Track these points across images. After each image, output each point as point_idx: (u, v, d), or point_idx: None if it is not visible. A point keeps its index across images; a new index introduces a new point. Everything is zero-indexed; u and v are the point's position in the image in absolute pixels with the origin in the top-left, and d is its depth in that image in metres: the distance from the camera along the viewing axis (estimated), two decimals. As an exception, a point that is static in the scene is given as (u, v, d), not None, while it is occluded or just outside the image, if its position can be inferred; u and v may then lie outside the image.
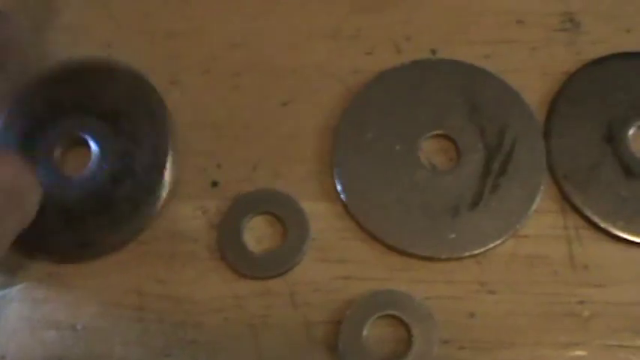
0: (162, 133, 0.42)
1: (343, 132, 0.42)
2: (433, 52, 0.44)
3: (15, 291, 0.41)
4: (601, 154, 0.41)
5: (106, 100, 0.43)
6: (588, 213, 0.40)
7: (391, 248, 0.40)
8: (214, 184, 0.42)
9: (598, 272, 0.39)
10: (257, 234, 0.41)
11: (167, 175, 0.41)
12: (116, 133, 0.42)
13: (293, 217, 0.41)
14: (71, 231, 0.41)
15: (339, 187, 0.41)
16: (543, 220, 0.40)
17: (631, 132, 0.42)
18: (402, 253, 0.40)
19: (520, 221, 0.40)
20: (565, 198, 0.41)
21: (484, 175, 0.41)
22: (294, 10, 0.46)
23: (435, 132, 0.42)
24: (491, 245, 0.40)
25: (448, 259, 0.40)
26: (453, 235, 0.40)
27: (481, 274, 0.40)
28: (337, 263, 0.40)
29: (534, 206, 0.40)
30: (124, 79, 0.43)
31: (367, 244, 0.40)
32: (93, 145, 0.42)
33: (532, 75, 0.43)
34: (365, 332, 0.38)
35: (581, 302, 0.39)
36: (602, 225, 0.40)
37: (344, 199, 0.41)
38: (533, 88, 0.43)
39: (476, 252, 0.40)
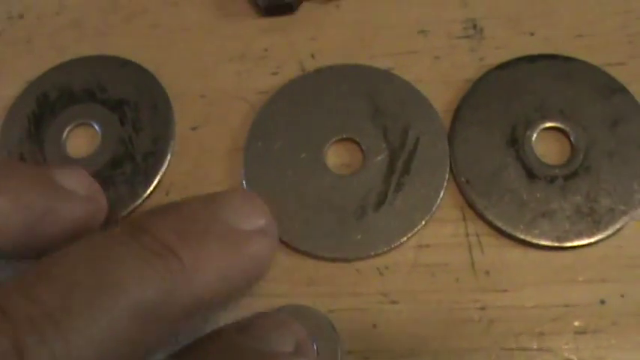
0: (163, 125, 0.45)
1: (251, 147, 0.44)
2: (337, 67, 0.45)
3: None
4: (504, 158, 0.42)
5: (114, 91, 0.46)
6: (490, 217, 0.41)
7: (300, 252, 0.41)
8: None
9: (499, 277, 0.40)
10: None
11: (165, 162, 0.44)
12: (121, 121, 0.45)
13: None
14: None
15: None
16: (445, 229, 0.41)
17: (534, 135, 0.42)
18: (310, 256, 0.41)
19: (424, 218, 0.41)
20: (467, 204, 0.41)
21: (388, 175, 0.42)
22: (202, 36, 0.47)
23: (340, 136, 0.43)
24: (397, 243, 0.41)
25: (355, 260, 0.41)
26: (359, 236, 0.41)
27: (384, 285, 0.40)
28: (244, 281, 0.41)
29: (437, 203, 0.41)
30: (133, 74, 0.47)
31: (276, 261, 0.41)
32: (98, 131, 0.45)
33: (436, 84, 0.44)
34: (272, 347, 0.39)
35: (483, 308, 0.40)
36: (504, 228, 0.40)
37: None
38: (437, 98, 0.44)
39: (382, 251, 0.41)
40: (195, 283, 0.32)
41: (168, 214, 0.34)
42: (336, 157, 0.43)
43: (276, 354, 0.33)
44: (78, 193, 0.38)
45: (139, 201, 0.43)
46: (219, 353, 0.32)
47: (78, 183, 0.39)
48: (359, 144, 0.43)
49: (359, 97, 0.44)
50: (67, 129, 0.46)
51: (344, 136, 0.43)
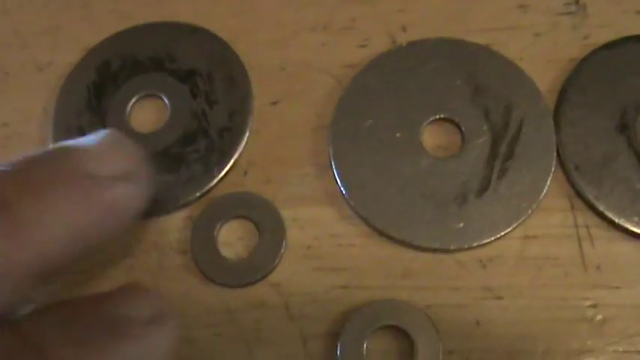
0: (240, 99, 0.41)
1: (338, 124, 0.40)
2: (431, 42, 0.42)
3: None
4: (615, 145, 0.39)
5: (184, 60, 0.42)
6: (601, 208, 0.38)
7: (397, 242, 0.38)
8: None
9: (611, 273, 0.37)
10: (231, 239, 0.39)
11: (243, 139, 0.41)
12: (192, 93, 0.42)
13: (266, 220, 0.39)
14: None
15: (338, 183, 0.39)
16: (552, 219, 0.38)
17: (646, 120, 0.39)
18: (407, 246, 0.38)
19: (531, 207, 0.38)
20: (576, 193, 0.38)
21: (491, 159, 0.39)
22: (280, 2, 0.44)
23: (437, 116, 0.40)
24: (502, 233, 0.38)
25: (455, 250, 0.38)
26: (462, 225, 0.38)
27: (487, 280, 0.37)
28: (335, 272, 0.38)
29: (545, 190, 0.38)
30: (205, 42, 0.43)
31: (366, 251, 0.38)
32: (167, 103, 0.42)
33: (537, 63, 0.41)
34: (365, 344, 0.36)
35: (594, 306, 0.37)
36: (617, 221, 0.37)
37: (344, 195, 0.39)
38: (540, 77, 0.40)
39: (485, 241, 0.37)
40: (37, 238, 0.28)
41: (11, 165, 0.30)
42: (433, 138, 0.40)
43: (128, 319, 0.30)
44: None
45: (214, 181, 0.40)
46: (69, 315, 0.29)
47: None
48: (458, 125, 0.40)
49: (456, 74, 0.40)
50: (132, 101, 0.42)
51: (441, 116, 0.40)
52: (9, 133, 0.43)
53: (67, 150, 0.31)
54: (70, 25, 0.45)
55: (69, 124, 0.41)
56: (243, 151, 0.40)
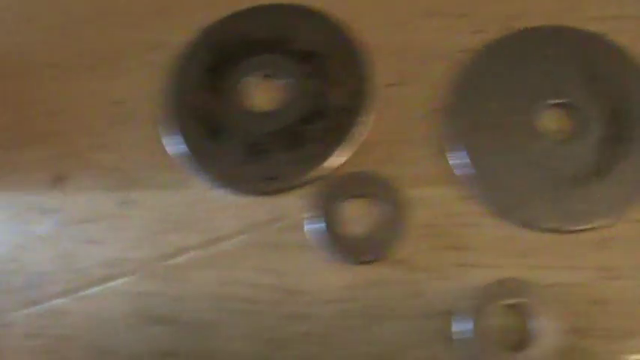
0: (358, 80, 0.42)
1: (456, 107, 0.41)
2: (545, 29, 0.42)
3: (120, 284, 0.40)
4: None
5: (301, 42, 0.43)
6: None
7: (516, 222, 0.39)
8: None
9: None
10: (350, 217, 0.40)
11: (361, 119, 0.41)
12: (310, 74, 0.42)
13: (386, 199, 0.39)
14: (257, 164, 0.40)
15: (457, 164, 0.40)
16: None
17: None
18: (524, 226, 0.38)
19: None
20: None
21: (610, 143, 0.39)
22: (398, -12, 0.44)
23: (553, 101, 0.41)
24: (622, 214, 0.38)
25: (574, 231, 0.38)
26: (580, 206, 0.38)
27: (605, 260, 0.38)
28: (453, 250, 0.39)
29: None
30: (323, 24, 0.43)
31: (485, 230, 0.39)
32: (284, 83, 0.42)
33: (654, 51, 0.41)
34: (485, 322, 0.36)
35: None
36: None
37: (463, 175, 0.39)
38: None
39: (604, 222, 0.38)
40: None
41: None
42: (550, 122, 0.41)
43: None
44: None
45: (334, 160, 0.40)
46: None
47: None
48: (576, 109, 0.40)
49: (571, 61, 0.41)
50: (248, 80, 0.42)
51: (558, 101, 0.40)
52: (123, 111, 0.43)
53: None
54: (184, 5, 0.46)
55: (181, 103, 0.42)
56: (362, 131, 0.41)
